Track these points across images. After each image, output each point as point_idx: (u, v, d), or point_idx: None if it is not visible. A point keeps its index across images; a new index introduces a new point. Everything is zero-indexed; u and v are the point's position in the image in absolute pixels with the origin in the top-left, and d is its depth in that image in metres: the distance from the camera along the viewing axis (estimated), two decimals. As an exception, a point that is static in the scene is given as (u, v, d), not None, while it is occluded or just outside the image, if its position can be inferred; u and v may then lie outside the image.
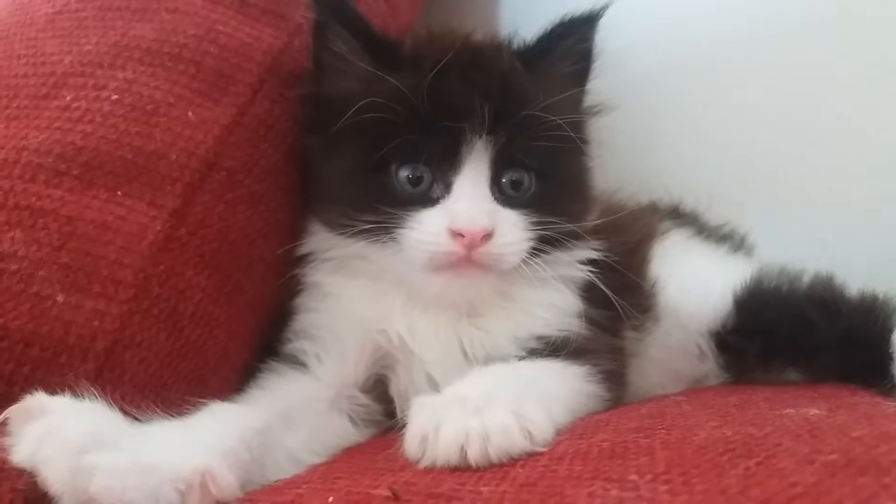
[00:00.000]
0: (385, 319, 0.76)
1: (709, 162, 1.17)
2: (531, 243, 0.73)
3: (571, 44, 0.81)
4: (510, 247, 0.71)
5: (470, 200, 0.71)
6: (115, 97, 0.71)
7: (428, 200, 0.72)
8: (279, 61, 0.82)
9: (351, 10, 0.77)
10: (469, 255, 0.69)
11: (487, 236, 0.69)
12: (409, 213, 0.71)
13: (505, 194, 0.74)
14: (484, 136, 0.71)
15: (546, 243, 0.74)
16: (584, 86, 0.84)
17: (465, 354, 0.74)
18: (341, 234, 0.75)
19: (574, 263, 0.80)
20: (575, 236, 0.78)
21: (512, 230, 0.72)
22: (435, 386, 0.73)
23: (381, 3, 1.03)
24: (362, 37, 0.76)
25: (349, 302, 0.78)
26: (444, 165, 0.72)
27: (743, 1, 1.16)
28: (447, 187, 0.72)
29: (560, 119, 0.72)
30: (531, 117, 0.72)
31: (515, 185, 0.74)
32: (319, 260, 0.81)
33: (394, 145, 0.71)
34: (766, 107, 1.13)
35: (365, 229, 0.72)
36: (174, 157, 0.72)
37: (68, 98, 0.71)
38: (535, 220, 0.73)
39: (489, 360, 0.73)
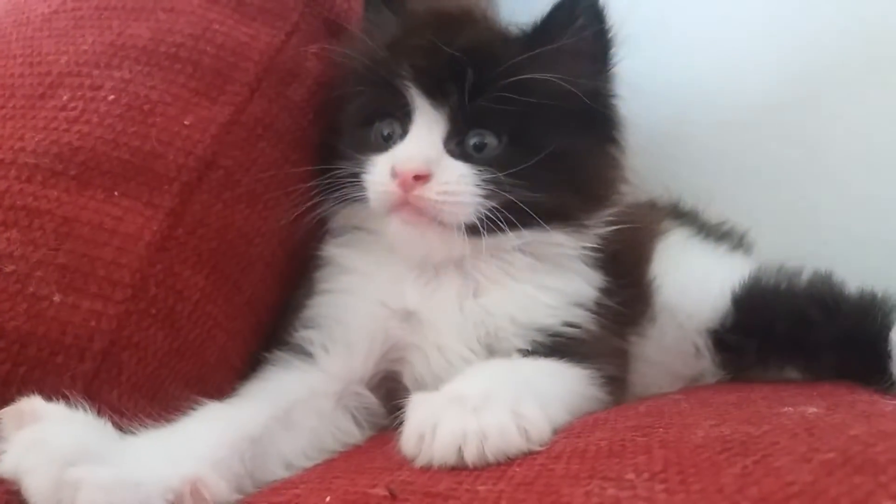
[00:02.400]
0: (398, 293, 0.76)
1: (708, 160, 1.17)
2: (485, 204, 0.71)
3: (567, 20, 0.78)
4: (450, 196, 0.71)
5: (411, 143, 0.74)
6: (111, 97, 0.71)
7: (387, 148, 0.76)
8: (276, 60, 0.82)
9: None
10: (406, 196, 0.71)
11: (422, 178, 0.70)
12: (371, 159, 0.75)
13: (464, 150, 0.74)
14: (443, 91, 0.73)
15: (515, 213, 0.72)
16: (596, 65, 0.80)
17: (473, 335, 0.74)
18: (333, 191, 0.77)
19: (572, 251, 0.79)
20: (556, 215, 0.75)
21: (455, 179, 0.71)
22: (452, 369, 0.72)
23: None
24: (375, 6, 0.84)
25: (362, 277, 0.78)
26: (405, 118, 0.76)
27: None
28: (404, 136, 0.75)
29: (542, 84, 0.71)
30: (502, 78, 0.71)
31: (477, 146, 0.74)
32: (331, 232, 0.82)
33: (372, 101, 0.77)
34: (765, 105, 1.13)
35: (342, 179, 0.76)
36: (171, 156, 0.72)
37: (65, 98, 0.70)
38: (493, 180, 0.72)
39: (493, 344, 0.74)
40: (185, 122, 0.74)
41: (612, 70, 0.81)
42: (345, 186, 0.76)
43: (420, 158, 0.71)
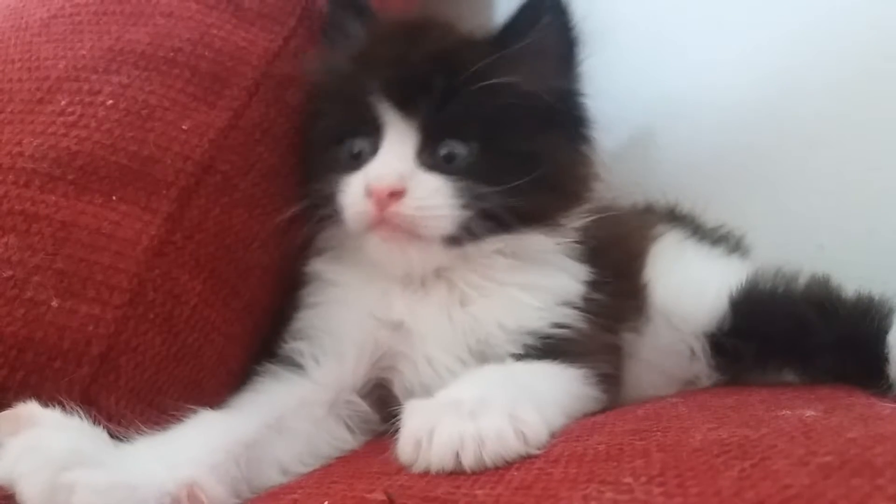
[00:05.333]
0: (386, 305, 0.76)
1: (704, 165, 1.17)
2: (462, 213, 0.72)
3: (533, 20, 0.78)
4: (427, 210, 0.71)
5: (383, 160, 0.73)
6: (109, 102, 0.71)
7: (359, 167, 0.75)
8: (274, 65, 0.82)
9: None
10: (381, 215, 0.70)
11: (396, 195, 0.70)
12: (344, 179, 0.75)
13: (436, 162, 0.73)
14: (412, 103, 0.72)
15: (492, 220, 0.73)
16: (562, 64, 0.80)
17: (464, 344, 0.74)
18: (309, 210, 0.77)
19: (551, 251, 0.79)
20: (532, 218, 0.76)
21: (430, 193, 0.71)
22: (440, 380, 0.72)
23: None
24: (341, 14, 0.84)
25: (349, 290, 0.78)
26: (375, 134, 0.75)
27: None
28: (375, 153, 0.74)
29: (508, 88, 0.71)
30: (469, 85, 0.71)
31: (449, 157, 0.74)
32: (316, 250, 0.82)
33: (340, 119, 0.77)
34: (763, 108, 1.13)
35: (316, 201, 0.76)
36: (169, 161, 0.72)
37: (63, 103, 0.70)
38: (468, 189, 0.72)
39: (483, 351, 0.73)
40: (184, 127, 0.74)
41: (580, 68, 0.81)
42: (320, 207, 0.76)
43: (393, 175, 0.71)
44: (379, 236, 0.73)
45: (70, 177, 0.67)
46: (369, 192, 0.71)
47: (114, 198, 0.68)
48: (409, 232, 0.72)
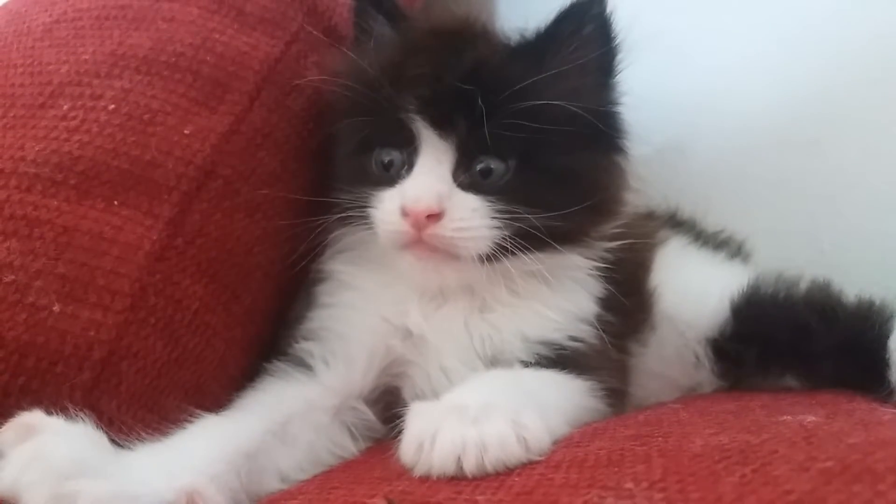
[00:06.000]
0: (401, 312, 0.75)
1: (705, 169, 1.17)
2: (499, 233, 0.70)
3: (575, 29, 0.75)
4: (465, 231, 0.69)
5: (420, 180, 0.71)
6: (111, 107, 0.72)
7: (392, 181, 0.73)
8: (276, 70, 0.82)
9: None
10: (419, 235, 0.69)
11: (434, 217, 0.68)
12: (376, 193, 0.73)
13: (473, 180, 0.71)
14: (450, 120, 0.70)
15: (529, 239, 0.71)
16: (603, 76, 0.78)
17: (477, 352, 0.74)
18: (337, 217, 0.76)
19: (580, 268, 0.78)
20: (570, 237, 0.74)
21: (468, 214, 0.69)
22: (452, 387, 0.70)
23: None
24: (369, 14, 0.80)
25: (365, 294, 0.77)
26: (409, 148, 0.73)
27: None
28: (410, 169, 0.73)
29: (550, 106, 0.69)
30: (510, 103, 0.68)
31: (485, 172, 0.72)
32: (334, 249, 0.81)
33: (369, 128, 0.74)
34: (763, 113, 1.13)
35: (346, 209, 0.74)
36: (171, 166, 0.72)
37: (65, 108, 0.71)
38: (506, 209, 0.70)
39: (498, 358, 0.73)
40: (185, 132, 0.74)
41: (618, 78, 0.79)
42: (348, 212, 0.74)
43: (431, 197, 0.68)
44: (414, 255, 0.71)
45: (72, 181, 0.67)
46: (406, 213, 0.69)
47: (115, 202, 0.68)
48: (445, 252, 0.70)
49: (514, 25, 0.77)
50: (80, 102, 0.71)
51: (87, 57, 0.75)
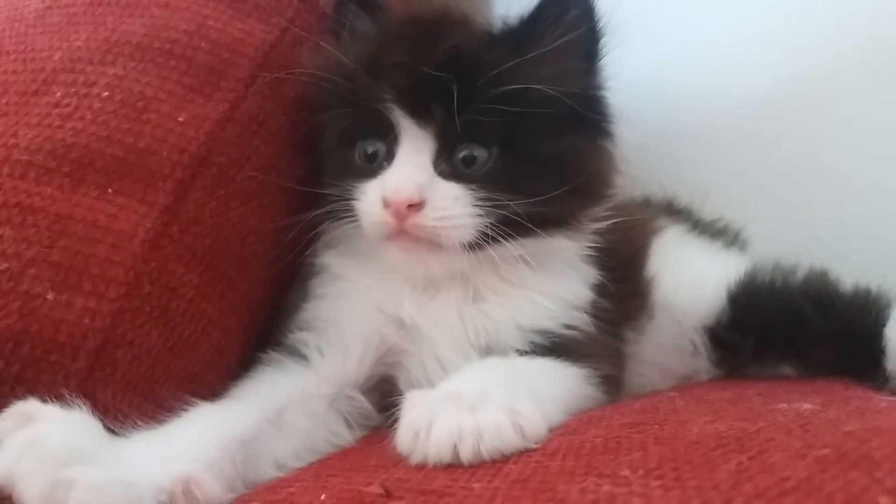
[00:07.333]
0: (395, 303, 0.75)
1: (702, 158, 1.17)
2: (482, 221, 0.70)
3: (559, 14, 0.74)
4: (446, 220, 0.69)
5: (400, 170, 0.71)
6: (105, 94, 0.71)
7: (375, 172, 0.73)
8: (271, 56, 0.82)
9: None
10: (401, 226, 0.69)
11: (415, 206, 0.68)
12: (361, 185, 0.73)
13: (454, 168, 0.71)
14: (428, 109, 0.70)
15: (514, 226, 0.70)
16: (587, 60, 0.77)
17: (471, 341, 0.74)
18: (325, 211, 0.76)
19: (570, 253, 0.78)
20: (556, 222, 0.74)
21: (449, 203, 0.69)
22: (447, 376, 0.70)
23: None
24: (347, 7, 0.80)
25: (358, 285, 0.77)
26: (390, 138, 0.73)
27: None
28: (391, 159, 0.73)
29: (532, 91, 0.68)
30: (487, 89, 0.68)
31: (467, 160, 0.71)
32: (326, 242, 0.81)
33: (351, 120, 0.74)
34: (759, 102, 1.13)
35: (332, 202, 0.74)
36: (165, 153, 0.71)
37: (58, 95, 0.70)
38: (488, 197, 0.70)
39: (492, 348, 0.73)
40: (180, 119, 0.73)
41: (602, 62, 0.78)
42: (334, 206, 0.75)
43: (411, 187, 0.69)
44: (398, 246, 0.72)
45: (66, 169, 0.67)
46: (387, 203, 0.69)
47: (110, 190, 0.68)
48: (429, 242, 0.70)
49: (501, 16, 0.77)
50: (73, 89, 0.71)
51: (80, 44, 0.74)
